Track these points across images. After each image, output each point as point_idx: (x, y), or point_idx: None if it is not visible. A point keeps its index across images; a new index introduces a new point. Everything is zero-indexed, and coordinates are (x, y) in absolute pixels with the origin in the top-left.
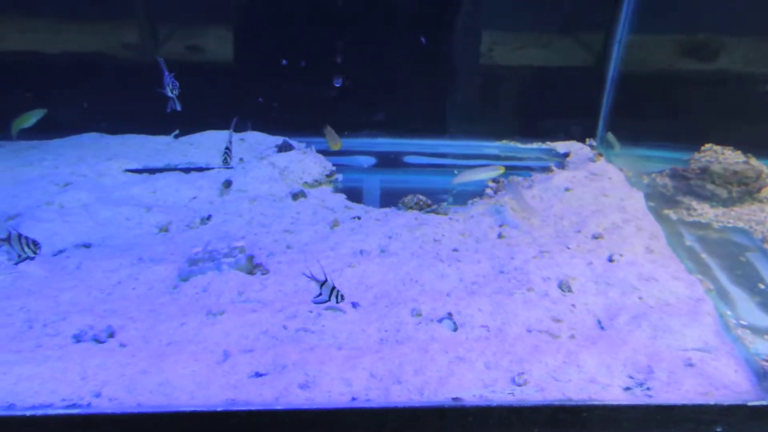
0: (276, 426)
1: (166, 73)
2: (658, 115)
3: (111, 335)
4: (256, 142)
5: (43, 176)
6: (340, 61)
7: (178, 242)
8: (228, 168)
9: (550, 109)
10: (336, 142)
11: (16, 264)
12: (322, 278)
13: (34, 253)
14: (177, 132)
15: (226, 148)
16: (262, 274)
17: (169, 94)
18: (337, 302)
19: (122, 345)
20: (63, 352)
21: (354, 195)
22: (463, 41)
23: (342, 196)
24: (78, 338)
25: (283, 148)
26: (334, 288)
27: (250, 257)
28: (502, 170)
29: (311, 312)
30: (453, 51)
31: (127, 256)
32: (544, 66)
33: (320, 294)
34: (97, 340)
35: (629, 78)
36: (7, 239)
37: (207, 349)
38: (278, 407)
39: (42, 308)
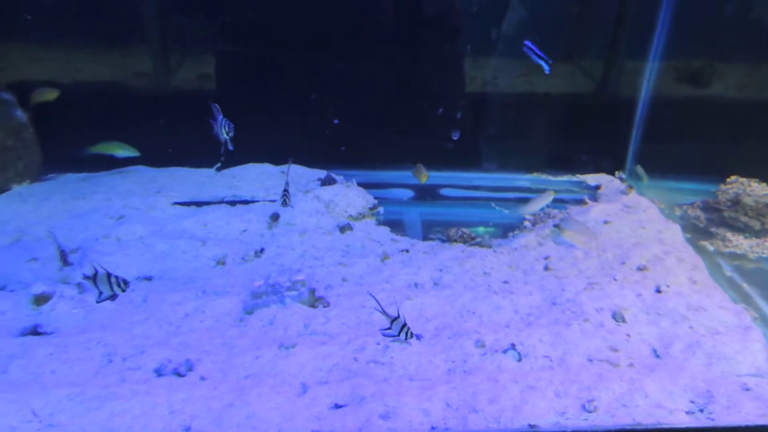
0: None
1: (220, 117)
2: (684, 147)
3: (190, 369)
4: (297, 175)
5: (97, 209)
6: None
7: (237, 275)
8: (272, 201)
9: (579, 142)
10: (423, 174)
11: (99, 302)
12: (395, 314)
13: (123, 290)
14: (219, 165)
15: (285, 190)
16: (324, 306)
17: (224, 136)
18: (406, 338)
19: (203, 378)
20: (148, 386)
21: (397, 227)
22: (495, 76)
23: (386, 229)
24: (159, 372)
25: (327, 181)
26: (405, 325)
27: (312, 290)
28: (553, 194)
29: (378, 344)
30: (485, 86)
31: (190, 289)
32: (574, 100)
33: (389, 328)
34: (178, 374)
35: (658, 111)
36: (93, 277)
37: (285, 382)
38: None
39: (118, 342)
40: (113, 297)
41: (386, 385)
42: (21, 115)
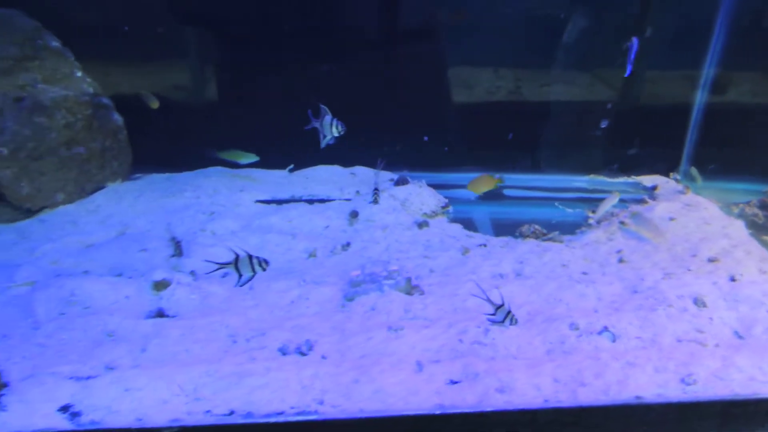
0: (486, 426)
1: (329, 116)
2: (736, 150)
3: (311, 348)
4: (367, 177)
5: (189, 206)
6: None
7: (329, 266)
8: (347, 200)
9: (634, 144)
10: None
11: (242, 285)
12: (498, 302)
13: (264, 270)
14: (292, 166)
15: (375, 189)
16: (420, 294)
17: (330, 134)
18: (511, 324)
19: (324, 357)
20: (277, 364)
21: (468, 225)
22: (555, 81)
23: (459, 226)
24: (283, 351)
25: (400, 181)
26: (509, 312)
27: (409, 279)
28: (619, 195)
29: (478, 327)
30: (545, 90)
31: (291, 279)
32: (631, 105)
33: (494, 314)
34: (301, 353)
35: (712, 116)
36: (235, 262)
37: (401, 361)
38: (488, 409)
39: (237, 324)
40: (252, 277)
41: (494, 363)
42: (118, 117)
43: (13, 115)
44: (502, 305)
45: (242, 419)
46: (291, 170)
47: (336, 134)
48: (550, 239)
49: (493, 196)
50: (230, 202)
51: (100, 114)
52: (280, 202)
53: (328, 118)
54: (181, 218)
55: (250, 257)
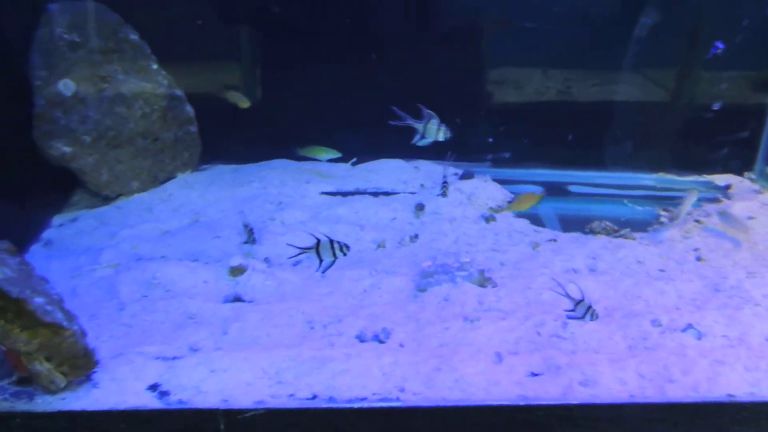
0: (571, 419)
1: (436, 120)
2: None
3: (388, 336)
4: (431, 170)
5: (257, 196)
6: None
7: (399, 257)
8: (412, 193)
9: (706, 142)
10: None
11: (323, 272)
12: (578, 297)
13: (344, 254)
14: (354, 160)
15: (444, 181)
16: (493, 287)
17: (439, 138)
18: (592, 319)
19: (401, 345)
20: (356, 350)
21: (535, 220)
22: (623, 78)
23: (526, 221)
24: (361, 338)
25: (466, 176)
26: (590, 307)
27: (482, 271)
28: (697, 193)
29: (556, 321)
30: (611, 88)
31: (362, 268)
32: (704, 103)
33: (573, 310)
34: (379, 341)
35: None
36: (316, 247)
37: (479, 351)
38: (573, 401)
39: (313, 311)
40: (332, 264)
41: (575, 356)
42: (190, 110)
43: (96, 104)
44: (582, 300)
45: (325, 404)
46: (354, 164)
47: (441, 139)
48: (621, 236)
49: (559, 192)
50: (297, 194)
51: (173, 106)
52: (345, 194)
53: (435, 121)
54: (251, 208)
55: (332, 242)
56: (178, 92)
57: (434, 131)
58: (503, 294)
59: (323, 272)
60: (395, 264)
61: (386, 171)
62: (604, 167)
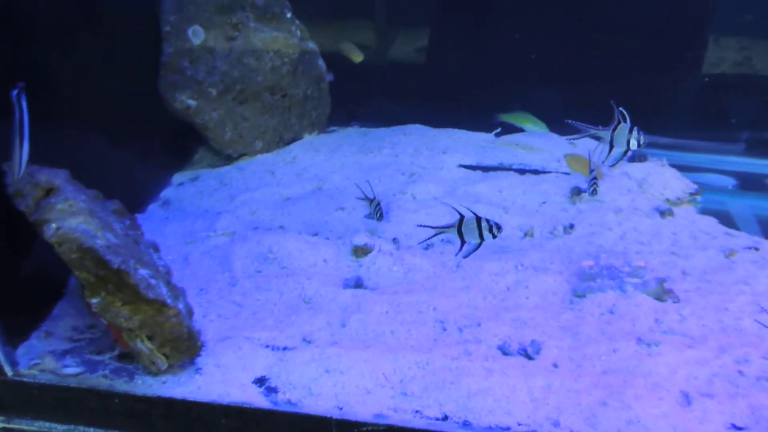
0: None
1: (629, 125)
2: None
3: (538, 351)
4: (589, 149)
5: (387, 164)
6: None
7: (550, 250)
8: (566, 174)
9: None
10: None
11: (466, 257)
12: None
13: (495, 237)
14: (499, 130)
15: (594, 178)
16: (674, 302)
17: (632, 147)
18: None
19: (555, 365)
20: (499, 365)
21: (725, 220)
22: None
23: (713, 219)
24: (504, 350)
25: (637, 157)
26: None
27: (662, 281)
28: None
29: (766, 359)
30: None
31: (505, 260)
32: None
33: None
34: (527, 356)
35: None
36: (459, 224)
37: (659, 386)
38: None
39: (447, 308)
40: (478, 248)
41: None
42: (322, 64)
43: (224, 54)
44: None
45: (459, 429)
46: (498, 134)
47: (634, 147)
48: None
49: (758, 186)
50: (432, 164)
51: (305, 59)
52: (486, 168)
53: (625, 126)
54: (379, 177)
55: (479, 219)
56: (312, 45)
57: (624, 138)
58: (689, 313)
59: (465, 256)
60: (546, 258)
61: (536, 145)
62: None
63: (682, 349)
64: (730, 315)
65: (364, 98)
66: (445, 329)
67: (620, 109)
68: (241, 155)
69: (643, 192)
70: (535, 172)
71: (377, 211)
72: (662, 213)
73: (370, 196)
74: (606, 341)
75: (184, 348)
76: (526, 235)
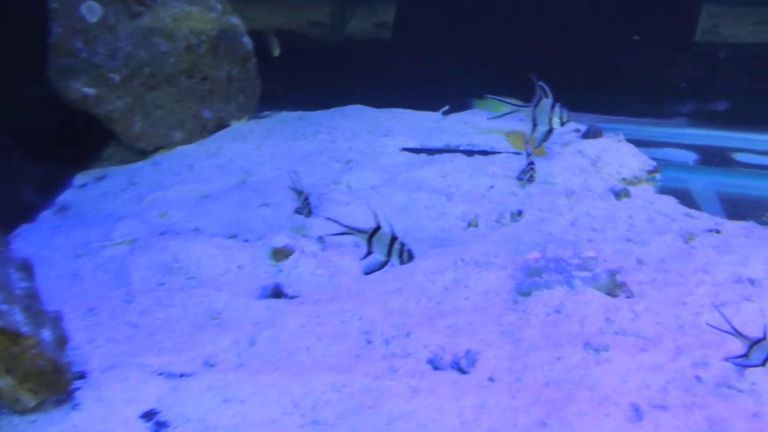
0: None
1: (550, 101)
2: None
3: (473, 364)
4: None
5: (322, 151)
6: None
7: (495, 241)
8: (516, 153)
9: None
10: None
11: (367, 273)
12: (757, 335)
13: (402, 263)
14: (446, 108)
15: (530, 162)
16: (628, 297)
17: (554, 125)
18: None
19: (491, 380)
20: (427, 383)
21: (685, 199)
22: None
23: (672, 200)
24: (435, 364)
25: (591, 133)
26: None
27: (613, 273)
28: None
29: (726, 360)
30: None
31: (444, 255)
32: None
33: (747, 355)
34: (460, 370)
35: None
36: (371, 234)
37: (607, 399)
38: None
39: (374, 316)
40: (382, 266)
41: (760, 424)
42: (248, 42)
43: (128, 33)
44: (762, 339)
45: None
46: (445, 113)
47: (556, 126)
48: None
49: (720, 161)
50: (372, 149)
51: (228, 36)
52: (431, 151)
53: (547, 102)
54: (312, 166)
55: (393, 239)
56: (234, 19)
57: (546, 115)
58: (643, 309)
59: (366, 272)
60: (490, 251)
61: (486, 124)
62: None
63: (633, 353)
64: (688, 310)
65: (302, 78)
66: (370, 342)
67: (541, 83)
68: (158, 149)
69: (598, 171)
70: (484, 153)
71: (306, 205)
72: (618, 194)
73: (299, 188)
74: (550, 348)
75: (50, 382)
76: (469, 225)
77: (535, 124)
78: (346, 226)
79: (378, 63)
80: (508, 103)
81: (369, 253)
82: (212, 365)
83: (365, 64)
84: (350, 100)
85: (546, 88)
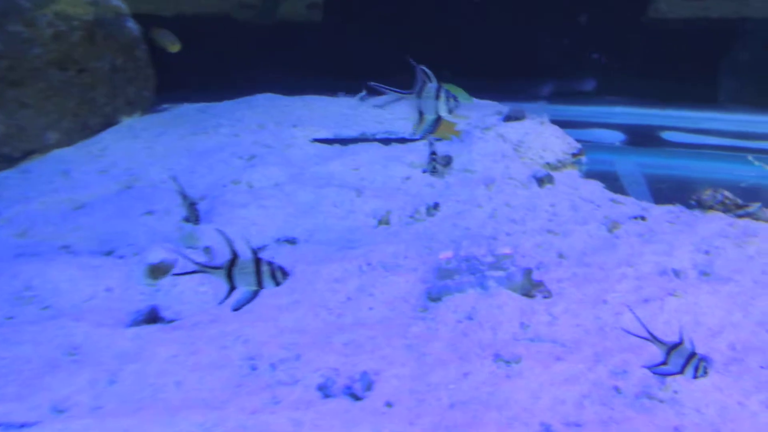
0: None
1: (434, 85)
2: None
3: (369, 387)
4: (466, 107)
5: (223, 147)
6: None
7: (407, 240)
8: (438, 140)
9: None
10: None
11: (235, 309)
12: (673, 339)
13: (276, 285)
14: (363, 93)
15: (432, 152)
16: (545, 297)
17: (442, 112)
18: (696, 376)
19: (389, 405)
20: (314, 414)
21: (611, 183)
22: None
23: (598, 184)
24: (325, 391)
25: (513, 116)
26: (694, 355)
27: (528, 272)
28: None
29: (646, 367)
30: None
31: (350, 259)
32: None
33: (664, 363)
34: (354, 396)
35: None
36: (229, 266)
37: (516, 419)
38: None
39: (262, 337)
40: (255, 295)
41: None
42: (133, 26)
43: None
44: (678, 344)
45: None
46: (363, 98)
47: (443, 114)
48: (749, 215)
49: (647, 141)
50: (279, 142)
51: (107, 22)
52: (344, 141)
53: (432, 87)
54: (210, 164)
55: (258, 261)
56: (116, 2)
57: (431, 101)
58: (561, 311)
59: (234, 309)
60: (400, 252)
61: (407, 108)
62: (717, 104)
63: (548, 364)
64: (608, 309)
65: (208, 67)
66: (254, 368)
67: (422, 67)
68: (28, 153)
69: (520, 156)
70: (402, 140)
71: (193, 212)
72: (540, 181)
73: (184, 192)
74: (457, 362)
75: None
76: (380, 222)
77: (421, 113)
78: (198, 264)
79: (303, 46)
80: (391, 90)
81: (232, 289)
82: (61, 411)
83: (284, 47)
84: (264, 88)
85: (428, 72)
